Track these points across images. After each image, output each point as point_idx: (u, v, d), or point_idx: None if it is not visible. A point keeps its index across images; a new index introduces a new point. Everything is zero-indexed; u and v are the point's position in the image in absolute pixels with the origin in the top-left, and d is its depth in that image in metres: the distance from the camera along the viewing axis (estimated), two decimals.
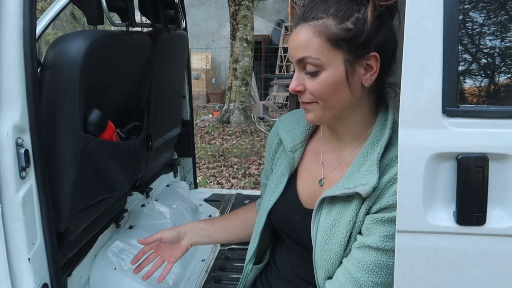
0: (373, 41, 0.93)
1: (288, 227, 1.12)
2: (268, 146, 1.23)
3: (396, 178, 0.92)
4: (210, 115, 8.02)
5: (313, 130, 1.14)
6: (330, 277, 1.00)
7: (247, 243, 1.22)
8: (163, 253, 1.29)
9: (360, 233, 0.98)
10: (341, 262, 0.99)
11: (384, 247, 0.93)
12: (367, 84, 0.97)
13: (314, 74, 0.95)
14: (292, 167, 1.12)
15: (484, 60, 0.89)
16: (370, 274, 0.95)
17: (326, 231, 0.99)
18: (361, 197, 0.95)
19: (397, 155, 0.94)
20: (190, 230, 1.28)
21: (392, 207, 0.92)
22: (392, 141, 0.98)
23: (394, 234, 0.91)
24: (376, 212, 0.95)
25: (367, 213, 0.96)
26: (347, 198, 0.98)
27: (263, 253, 1.22)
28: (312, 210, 1.03)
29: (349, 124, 1.03)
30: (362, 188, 0.93)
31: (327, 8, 0.93)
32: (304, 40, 0.93)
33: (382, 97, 1.04)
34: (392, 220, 0.92)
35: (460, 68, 0.86)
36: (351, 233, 0.97)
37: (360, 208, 0.97)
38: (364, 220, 0.97)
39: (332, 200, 1.00)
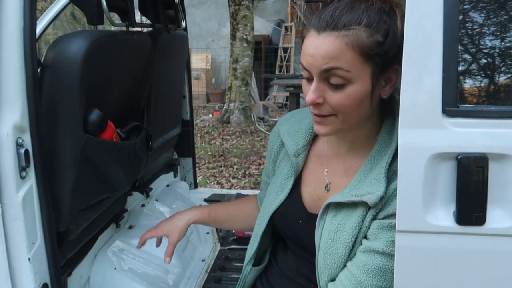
0: (399, 54, 0.87)
1: (291, 231, 1.11)
2: (270, 146, 1.21)
3: None
4: (210, 115, 8.02)
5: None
6: (333, 280, 1.00)
7: (247, 243, 1.22)
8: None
9: (365, 237, 0.97)
10: (345, 266, 0.98)
11: (390, 252, 0.93)
12: (386, 96, 0.96)
13: (339, 87, 0.90)
14: (297, 171, 1.10)
15: (484, 60, 0.89)
16: (374, 277, 0.94)
17: (331, 235, 0.98)
18: (368, 204, 0.95)
19: None
20: (194, 222, 1.28)
21: None
22: None
23: None
24: (383, 218, 0.95)
25: (374, 218, 0.96)
26: (353, 205, 0.97)
27: (262, 254, 1.22)
28: (316, 214, 1.02)
29: (358, 133, 1.02)
30: (369, 198, 0.93)
31: (358, 18, 0.87)
32: (335, 51, 0.87)
33: (388, 102, 1.02)
34: None
35: (460, 68, 0.86)
36: (356, 238, 0.97)
37: (366, 214, 0.96)
38: (370, 225, 0.96)
39: (338, 205, 0.99)
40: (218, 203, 1.43)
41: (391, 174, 0.96)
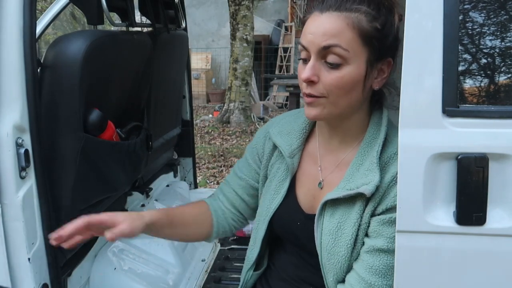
0: (394, 47, 0.94)
1: (290, 233, 1.10)
2: (260, 150, 1.17)
3: None
4: (210, 115, 8.02)
5: (309, 133, 1.11)
6: (339, 280, 1.00)
7: (247, 243, 1.22)
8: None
9: (367, 235, 0.97)
10: (349, 265, 0.98)
11: (394, 248, 0.92)
12: (377, 88, 0.98)
13: (335, 67, 0.92)
14: (292, 173, 1.09)
15: (484, 60, 0.89)
16: (383, 277, 0.94)
17: (331, 234, 0.98)
18: (365, 197, 0.94)
19: (396, 152, 0.94)
20: (150, 226, 1.04)
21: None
22: (388, 138, 0.99)
23: None
24: (381, 213, 0.95)
25: (373, 214, 0.96)
26: (350, 200, 0.97)
27: (261, 258, 1.21)
28: (314, 215, 1.02)
29: (349, 124, 1.02)
30: (366, 188, 0.93)
31: (360, 3, 0.92)
32: (336, 29, 0.91)
33: (377, 96, 1.03)
34: None
35: (460, 68, 0.86)
36: (357, 235, 0.96)
37: (364, 209, 0.96)
38: (369, 221, 0.96)
39: (335, 202, 0.99)
40: (176, 212, 1.16)
41: (383, 164, 0.96)
